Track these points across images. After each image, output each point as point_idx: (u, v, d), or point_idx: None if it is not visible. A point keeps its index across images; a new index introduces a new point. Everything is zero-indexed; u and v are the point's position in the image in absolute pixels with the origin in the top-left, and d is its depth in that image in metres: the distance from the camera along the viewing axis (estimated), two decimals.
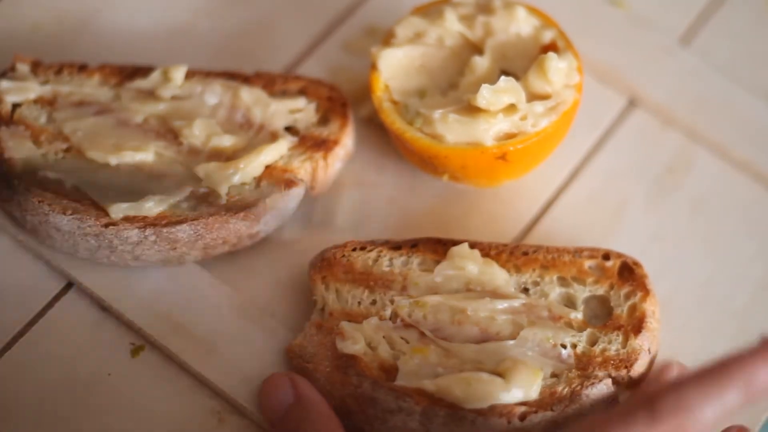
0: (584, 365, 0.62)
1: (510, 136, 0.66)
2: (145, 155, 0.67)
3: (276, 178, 0.67)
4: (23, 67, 0.71)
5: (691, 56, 0.77)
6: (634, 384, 0.62)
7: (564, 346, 0.63)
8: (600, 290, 0.65)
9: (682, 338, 0.66)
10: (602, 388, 0.61)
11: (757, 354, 0.50)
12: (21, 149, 0.67)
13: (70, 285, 0.66)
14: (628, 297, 0.64)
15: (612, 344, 0.63)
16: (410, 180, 0.72)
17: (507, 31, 0.70)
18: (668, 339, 0.65)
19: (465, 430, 0.60)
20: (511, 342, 0.62)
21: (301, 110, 0.71)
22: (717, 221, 0.71)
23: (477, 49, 0.70)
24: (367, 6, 0.78)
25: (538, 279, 0.65)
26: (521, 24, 0.70)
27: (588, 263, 0.65)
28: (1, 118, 0.68)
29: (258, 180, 0.67)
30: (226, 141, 0.68)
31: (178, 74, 0.70)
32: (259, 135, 0.69)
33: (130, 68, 0.71)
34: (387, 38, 0.70)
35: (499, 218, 0.71)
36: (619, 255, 0.65)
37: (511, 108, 0.66)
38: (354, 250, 0.66)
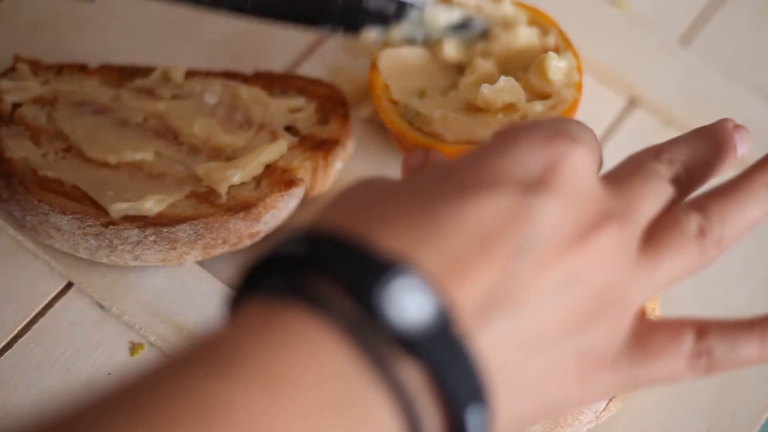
0: None
1: None
2: (144, 155, 0.67)
3: (276, 177, 0.67)
4: (23, 67, 0.71)
5: (691, 56, 0.77)
6: None
7: None
8: None
9: None
10: None
11: None
12: (21, 149, 0.67)
13: (70, 285, 0.66)
14: None
15: None
16: None
17: (507, 31, 0.70)
18: None
19: None
20: None
21: (301, 110, 0.71)
22: None
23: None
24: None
25: None
26: (521, 25, 0.70)
27: None
28: (1, 118, 0.69)
29: (258, 180, 0.67)
30: (226, 140, 0.68)
31: (178, 74, 0.70)
32: (258, 135, 0.69)
33: (130, 68, 0.71)
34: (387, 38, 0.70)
35: None
36: None
37: (511, 107, 0.66)
38: None
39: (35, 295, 0.66)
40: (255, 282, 0.42)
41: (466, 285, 0.42)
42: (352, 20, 0.66)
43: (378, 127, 0.72)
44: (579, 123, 0.48)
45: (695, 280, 0.69)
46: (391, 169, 0.72)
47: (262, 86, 0.71)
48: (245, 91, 0.70)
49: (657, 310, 0.64)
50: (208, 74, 0.71)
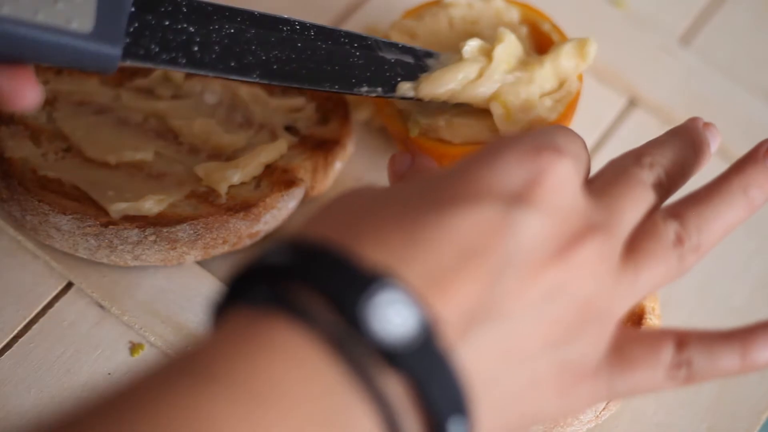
0: None
1: None
2: (144, 155, 0.67)
3: (276, 177, 0.67)
4: None
5: (691, 56, 0.77)
6: None
7: None
8: None
9: None
10: None
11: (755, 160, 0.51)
12: (21, 149, 0.67)
13: (70, 285, 0.66)
14: None
15: None
16: None
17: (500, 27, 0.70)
18: None
19: None
20: None
21: (301, 110, 0.71)
22: None
23: None
24: (367, 6, 0.78)
25: None
26: (515, 21, 0.70)
27: None
28: (1, 117, 0.69)
29: (258, 179, 0.67)
30: (226, 140, 0.68)
31: (178, 74, 0.70)
32: (258, 134, 0.69)
33: (130, 68, 0.71)
34: None
35: None
36: None
37: (526, 104, 0.66)
38: None
39: (35, 295, 0.66)
40: (240, 291, 0.43)
41: (448, 299, 0.42)
42: (383, 78, 0.63)
43: (378, 127, 0.72)
44: (567, 132, 0.48)
45: (695, 280, 0.69)
46: None
47: (262, 86, 0.71)
48: (245, 91, 0.70)
49: (657, 310, 0.64)
50: None
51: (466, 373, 0.42)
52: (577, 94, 0.67)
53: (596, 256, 0.45)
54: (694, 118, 0.54)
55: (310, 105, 0.71)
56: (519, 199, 0.44)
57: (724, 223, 0.49)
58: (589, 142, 0.74)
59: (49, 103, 0.70)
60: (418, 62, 0.64)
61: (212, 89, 0.70)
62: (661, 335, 0.48)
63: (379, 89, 0.62)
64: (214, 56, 0.58)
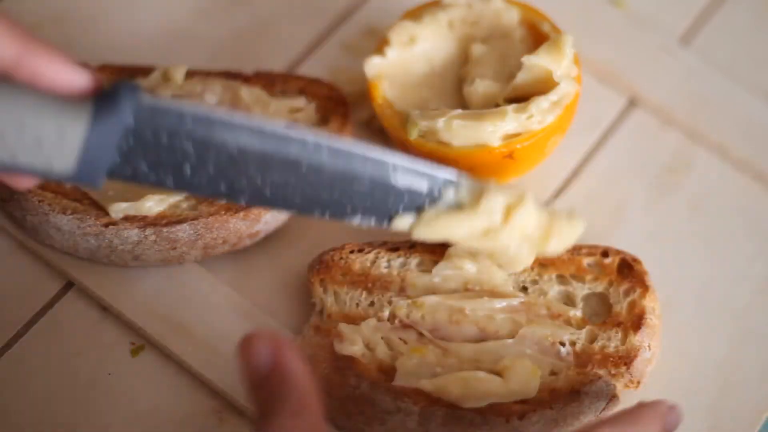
0: (583, 362, 0.62)
1: (514, 135, 0.66)
2: None
3: None
4: None
5: (691, 56, 0.77)
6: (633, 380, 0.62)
7: (563, 344, 0.63)
8: (599, 287, 0.65)
9: (681, 338, 0.66)
10: (601, 385, 0.61)
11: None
12: None
13: (70, 285, 0.66)
14: (627, 294, 0.64)
15: (611, 341, 0.63)
16: None
17: (499, 27, 0.70)
18: (668, 339, 0.65)
19: (463, 429, 0.60)
20: (510, 341, 0.62)
21: (301, 110, 0.71)
22: (716, 221, 0.71)
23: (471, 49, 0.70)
24: (367, 7, 0.78)
25: (537, 277, 0.65)
26: (514, 21, 0.70)
27: (587, 260, 0.65)
28: None
29: None
30: None
31: (179, 74, 0.70)
32: None
33: (130, 68, 0.71)
34: (380, 45, 0.70)
35: None
36: (617, 252, 0.65)
37: (520, 108, 0.66)
38: (352, 252, 0.66)
39: (35, 295, 0.66)
40: None
41: None
42: (383, 209, 0.57)
43: (378, 127, 0.72)
44: None
45: (695, 281, 0.69)
46: None
47: (263, 86, 0.71)
48: (245, 92, 0.70)
49: (657, 310, 0.64)
50: (208, 74, 0.71)
51: None
52: (576, 97, 0.67)
53: None
54: (660, 402, 0.56)
55: (310, 105, 0.71)
56: None
57: None
58: (589, 142, 0.74)
59: None
60: (431, 193, 0.58)
61: (212, 89, 0.70)
62: None
63: (372, 220, 0.57)
64: (204, 180, 0.54)
